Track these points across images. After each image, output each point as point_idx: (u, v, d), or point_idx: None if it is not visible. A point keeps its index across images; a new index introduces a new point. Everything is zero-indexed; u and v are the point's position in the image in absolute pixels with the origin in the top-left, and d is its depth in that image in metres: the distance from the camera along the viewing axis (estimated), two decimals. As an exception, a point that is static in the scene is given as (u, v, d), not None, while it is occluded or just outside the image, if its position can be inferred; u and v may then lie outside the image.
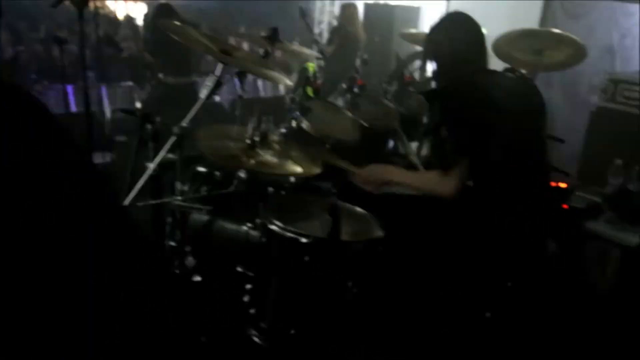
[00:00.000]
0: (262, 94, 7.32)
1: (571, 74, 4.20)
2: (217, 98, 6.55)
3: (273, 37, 2.61)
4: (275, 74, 2.28)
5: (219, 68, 2.11)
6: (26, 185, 0.73)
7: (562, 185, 2.56)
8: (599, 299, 2.43)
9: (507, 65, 2.48)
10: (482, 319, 2.10)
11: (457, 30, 2.10)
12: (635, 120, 3.22)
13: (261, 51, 2.61)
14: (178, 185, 2.14)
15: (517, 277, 2.05)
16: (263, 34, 2.64)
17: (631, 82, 3.43)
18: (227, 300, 2.20)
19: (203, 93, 2.11)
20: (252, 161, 2.05)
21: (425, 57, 2.16)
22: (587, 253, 2.48)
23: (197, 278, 2.27)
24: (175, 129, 2.06)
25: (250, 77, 7.64)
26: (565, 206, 2.55)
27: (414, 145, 3.49)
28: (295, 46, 2.83)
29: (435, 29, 2.15)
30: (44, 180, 0.76)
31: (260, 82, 7.63)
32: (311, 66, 6.47)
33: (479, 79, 2.05)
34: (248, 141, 2.07)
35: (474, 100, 1.98)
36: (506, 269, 2.04)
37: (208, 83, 2.11)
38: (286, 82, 2.31)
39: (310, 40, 5.46)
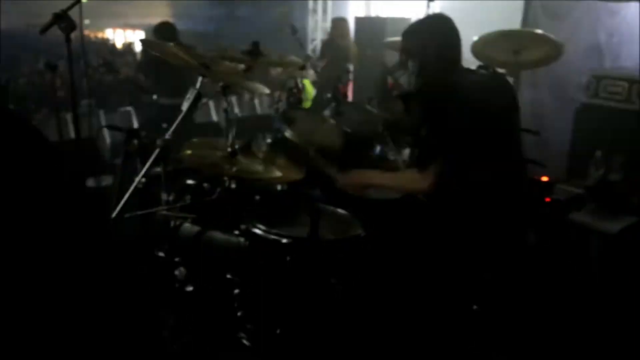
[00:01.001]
0: (258, 111, 7.45)
1: (559, 73, 4.25)
2: (214, 117, 6.69)
3: (254, 51, 2.68)
4: (254, 85, 2.35)
5: (199, 81, 2.18)
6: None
7: (544, 178, 2.60)
8: (582, 287, 2.44)
9: (480, 63, 2.53)
10: (469, 311, 2.13)
11: (433, 28, 2.17)
12: (618, 115, 3.27)
13: (242, 66, 2.68)
14: (164, 196, 2.20)
15: (499, 269, 2.08)
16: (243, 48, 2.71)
17: (613, 77, 3.48)
18: (218, 307, 2.25)
19: (184, 106, 2.18)
20: (234, 169, 2.11)
21: (401, 54, 2.22)
22: (570, 243, 2.51)
23: (189, 288, 2.31)
24: (159, 142, 2.13)
25: (247, 96, 7.78)
26: (547, 199, 2.58)
27: (406, 151, 3.55)
28: (278, 55, 2.88)
29: (412, 27, 2.22)
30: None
31: (257, 100, 7.76)
32: (307, 82, 6.56)
33: (454, 77, 2.10)
34: (229, 149, 2.13)
35: (449, 98, 2.04)
36: (487, 262, 2.08)
37: (189, 96, 2.18)
38: (265, 91, 2.38)
39: (304, 56, 5.59)
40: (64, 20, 2.52)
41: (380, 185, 2.26)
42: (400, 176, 2.31)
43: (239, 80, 2.39)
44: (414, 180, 2.07)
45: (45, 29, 2.57)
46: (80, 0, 2.54)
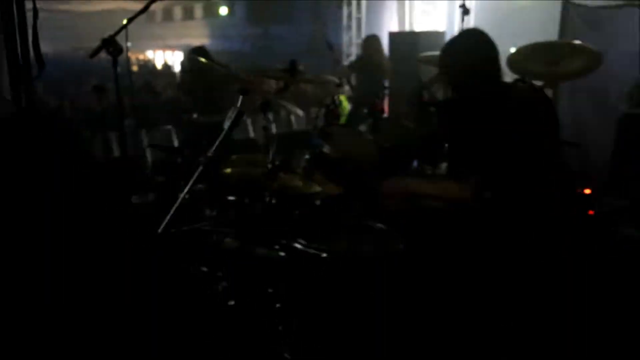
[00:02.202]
0: (295, 127, 7.54)
1: (599, 83, 4.17)
2: (251, 134, 6.82)
3: (292, 69, 2.75)
4: (289, 104, 2.41)
5: (240, 100, 2.25)
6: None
7: (587, 191, 2.55)
8: (630, 299, 2.38)
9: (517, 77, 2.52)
10: (513, 326, 2.11)
11: (470, 44, 2.19)
12: (662, 124, 3.19)
13: (281, 84, 2.75)
14: (207, 212, 2.26)
15: (545, 283, 2.05)
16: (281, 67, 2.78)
17: (657, 85, 3.40)
18: (259, 321, 2.29)
19: (226, 124, 2.25)
20: (275, 184, 2.16)
21: (440, 71, 2.24)
22: (619, 256, 2.45)
23: (231, 302, 2.36)
24: (201, 159, 2.19)
25: (283, 113, 7.91)
26: (591, 212, 2.53)
27: (444, 165, 3.55)
28: (314, 75, 2.96)
29: (449, 44, 2.24)
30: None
31: (293, 116, 7.87)
32: (343, 97, 6.62)
33: (491, 89, 2.11)
34: (269, 165, 2.18)
35: (486, 110, 2.05)
36: (532, 276, 2.05)
37: (230, 114, 2.24)
38: (298, 113, 2.43)
39: (339, 70, 5.66)
40: (111, 45, 2.65)
41: (422, 194, 2.27)
42: (441, 185, 2.31)
43: (277, 98, 2.45)
44: (454, 189, 2.08)
45: (94, 53, 2.70)
46: (127, 25, 2.66)
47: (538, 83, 2.73)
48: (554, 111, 2.22)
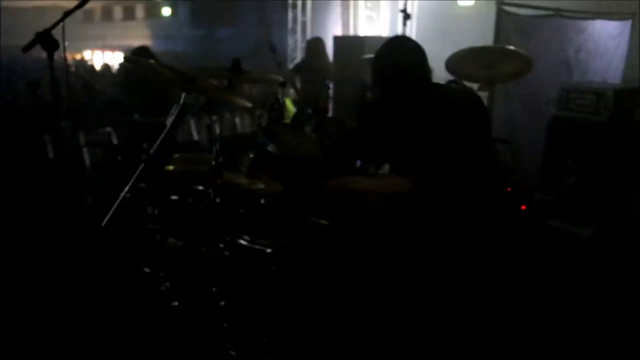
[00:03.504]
0: (240, 130, 7.50)
1: (531, 88, 4.40)
2: (195, 137, 6.72)
3: (235, 68, 2.74)
4: (237, 99, 2.41)
5: (182, 97, 2.23)
6: None
7: (520, 188, 2.69)
8: (560, 290, 2.52)
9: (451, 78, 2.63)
10: (460, 319, 2.19)
11: (398, 51, 2.26)
12: (586, 126, 3.42)
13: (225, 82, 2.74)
14: (149, 210, 2.23)
15: (480, 275, 2.15)
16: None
17: (582, 90, 3.64)
18: (204, 320, 2.27)
19: (169, 121, 2.22)
20: (218, 182, 2.16)
21: (373, 79, 2.30)
22: (547, 247, 2.60)
23: (175, 303, 2.33)
24: (143, 157, 2.16)
25: (227, 115, 7.82)
26: (523, 207, 2.67)
27: (386, 165, 3.63)
28: (258, 74, 2.97)
29: (379, 53, 2.31)
30: None
31: (237, 119, 7.81)
32: (288, 100, 6.65)
33: (422, 90, 2.19)
34: (212, 163, 2.18)
35: (417, 109, 2.13)
36: (468, 268, 2.14)
37: (173, 112, 2.22)
38: (247, 104, 2.44)
39: (282, 73, 5.67)
40: (46, 39, 2.55)
41: (365, 190, 2.33)
42: (381, 180, 2.39)
43: (222, 95, 2.44)
44: (395, 183, 2.15)
45: (28, 48, 2.59)
46: (64, 20, 2.57)
47: (474, 85, 2.86)
48: (484, 110, 2.33)
